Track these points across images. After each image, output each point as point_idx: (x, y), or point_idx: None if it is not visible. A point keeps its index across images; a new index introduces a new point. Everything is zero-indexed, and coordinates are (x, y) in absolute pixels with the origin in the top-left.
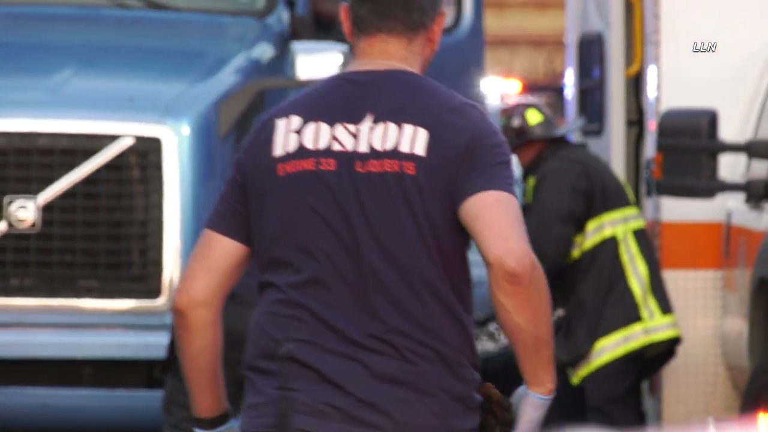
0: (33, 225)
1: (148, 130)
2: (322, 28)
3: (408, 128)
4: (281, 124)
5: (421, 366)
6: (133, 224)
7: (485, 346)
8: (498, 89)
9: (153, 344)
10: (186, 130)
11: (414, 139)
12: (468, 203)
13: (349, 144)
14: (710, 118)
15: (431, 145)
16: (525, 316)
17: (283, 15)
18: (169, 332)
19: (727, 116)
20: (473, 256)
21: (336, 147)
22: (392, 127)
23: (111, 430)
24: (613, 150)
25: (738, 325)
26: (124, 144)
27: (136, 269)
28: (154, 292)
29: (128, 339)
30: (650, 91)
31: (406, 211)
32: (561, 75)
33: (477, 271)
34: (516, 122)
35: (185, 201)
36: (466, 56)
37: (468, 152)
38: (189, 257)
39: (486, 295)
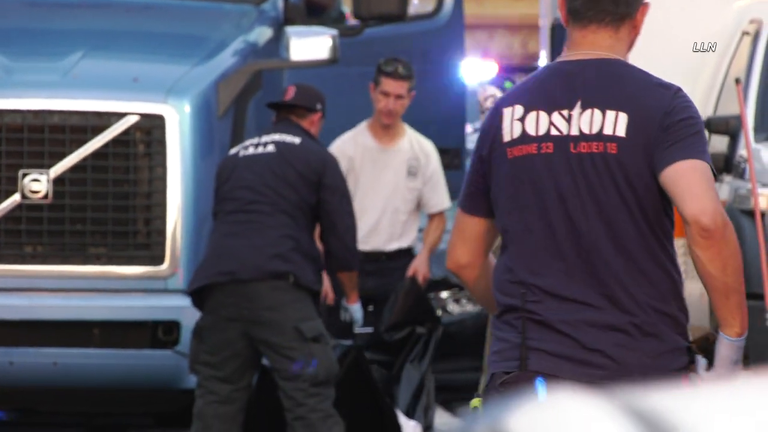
0: (45, 196)
1: (152, 108)
2: (314, 13)
3: (610, 113)
4: (507, 113)
5: (635, 315)
6: (138, 196)
7: (453, 308)
8: (476, 70)
9: (157, 307)
10: (187, 108)
11: (615, 123)
12: (666, 172)
13: (563, 128)
14: None
15: (630, 127)
16: (716, 266)
17: (277, 2)
18: (173, 296)
19: (689, 93)
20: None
21: (553, 132)
22: (597, 112)
23: (118, 387)
24: None
25: (699, 289)
26: (129, 121)
27: (142, 237)
28: (158, 258)
29: (134, 302)
30: None
31: (611, 184)
32: (535, 57)
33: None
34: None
35: (187, 174)
36: (447, 40)
37: (663, 129)
38: (452, 228)
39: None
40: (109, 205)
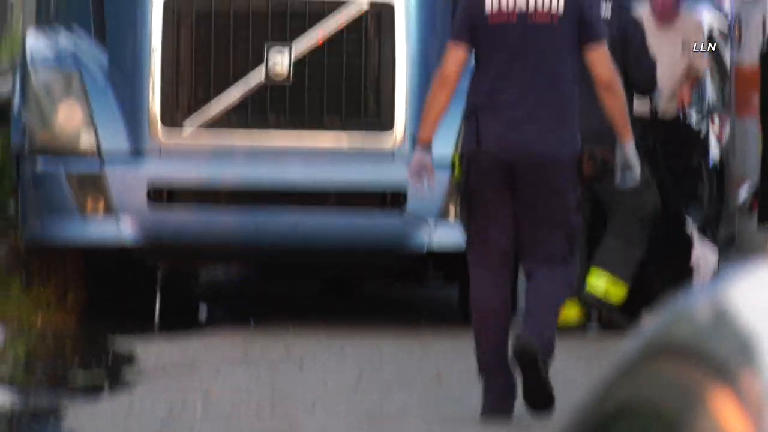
0: (287, 78)
1: None
2: None
3: None
4: None
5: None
6: (369, 73)
7: None
8: None
9: (385, 176)
10: None
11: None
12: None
13: (522, 6)
14: None
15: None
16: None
17: None
18: (399, 166)
19: None
20: None
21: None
22: None
23: (350, 247)
24: None
25: None
26: (362, 7)
27: (372, 108)
28: (386, 132)
29: (365, 171)
30: None
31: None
32: None
33: None
34: None
35: (412, 54)
36: None
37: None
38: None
39: None
40: (343, 79)
